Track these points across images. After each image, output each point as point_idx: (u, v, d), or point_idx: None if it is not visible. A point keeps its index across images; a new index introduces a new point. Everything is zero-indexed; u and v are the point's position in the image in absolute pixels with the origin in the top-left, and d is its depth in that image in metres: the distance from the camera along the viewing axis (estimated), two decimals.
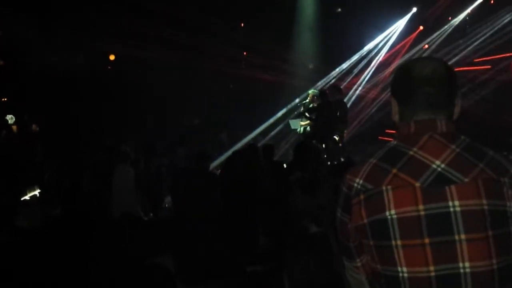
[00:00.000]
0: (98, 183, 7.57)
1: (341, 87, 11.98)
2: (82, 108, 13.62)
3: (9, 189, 7.18)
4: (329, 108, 10.05)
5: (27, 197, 7.32)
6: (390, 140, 1.66)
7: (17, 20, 12.55)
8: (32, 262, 4.58)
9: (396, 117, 1.66)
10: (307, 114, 10.61)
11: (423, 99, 1.57)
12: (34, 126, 14.89)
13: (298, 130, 11.33)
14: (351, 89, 14.64)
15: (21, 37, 13.19)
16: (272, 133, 14.26)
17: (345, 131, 10.73)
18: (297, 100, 13.69)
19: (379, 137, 12.42)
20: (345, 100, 11.35)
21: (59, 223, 5.55)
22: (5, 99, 15.89)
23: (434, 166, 1.49)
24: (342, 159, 9.59)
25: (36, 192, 7.48)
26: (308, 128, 10.82)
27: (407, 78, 1.60)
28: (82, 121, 13.39)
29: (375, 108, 14.08)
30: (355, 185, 1.56)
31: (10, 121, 14.84)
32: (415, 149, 1.53)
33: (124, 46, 14.06)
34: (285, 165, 7.66)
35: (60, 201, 6.37)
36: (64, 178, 7.79)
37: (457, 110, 1.62)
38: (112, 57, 15.28)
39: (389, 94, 1.69)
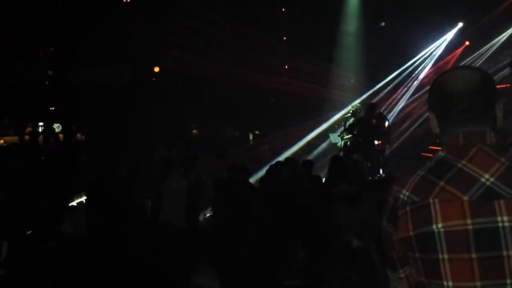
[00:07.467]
0: (149, 192, 7.70)
1: (379, 102, 11.84)
2: (127, 119, 13.94)
3: (55, 195, 7.39)
4: (371, 123, 9.98)
5: (74, 203, 7.53)
6: (433, 157, 1.63)
7: (68, 33, 13.00)
8: (76, 268, 4.70)
9: (436, 130, 1.65)
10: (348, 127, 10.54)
11: (459, 115, 1.56)
12: (79, 135, 15.35)
13: (339, 144, 11.24)
14: (393, 104, 14.44)
15: (71, 49, 13.66)
16: (316, 148, 14.14)
17: (386, 146, 10.61)
18: (338, 114, 13.60)
19: (422, 153, 12.18)
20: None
21: (104, 231, 5.68)
22: (53, 108, 16.45)
23: (483, 179, 1.47)
24: (383, 174, 9.47)
25: (83, 199, 7.68)
26: (349, 142, 10.74)
27: (440, 94, 1.60)
28: (127, 132, 13.69)
29: (417, 124, 13.81)
30: (402, 196, 1.54)
31: (57, 130, 15.37)
32: (463, 161, 1.51)
33: (169, 59, 14.36)
34: (323, 179, 7.63)
35: (107, 209, 6.52)
36: (111, 187, 7.94)
37: (499, 114, 1.59)
38: (156, 69, 15.63)
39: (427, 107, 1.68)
